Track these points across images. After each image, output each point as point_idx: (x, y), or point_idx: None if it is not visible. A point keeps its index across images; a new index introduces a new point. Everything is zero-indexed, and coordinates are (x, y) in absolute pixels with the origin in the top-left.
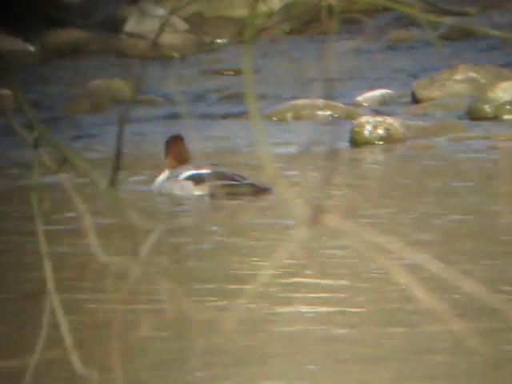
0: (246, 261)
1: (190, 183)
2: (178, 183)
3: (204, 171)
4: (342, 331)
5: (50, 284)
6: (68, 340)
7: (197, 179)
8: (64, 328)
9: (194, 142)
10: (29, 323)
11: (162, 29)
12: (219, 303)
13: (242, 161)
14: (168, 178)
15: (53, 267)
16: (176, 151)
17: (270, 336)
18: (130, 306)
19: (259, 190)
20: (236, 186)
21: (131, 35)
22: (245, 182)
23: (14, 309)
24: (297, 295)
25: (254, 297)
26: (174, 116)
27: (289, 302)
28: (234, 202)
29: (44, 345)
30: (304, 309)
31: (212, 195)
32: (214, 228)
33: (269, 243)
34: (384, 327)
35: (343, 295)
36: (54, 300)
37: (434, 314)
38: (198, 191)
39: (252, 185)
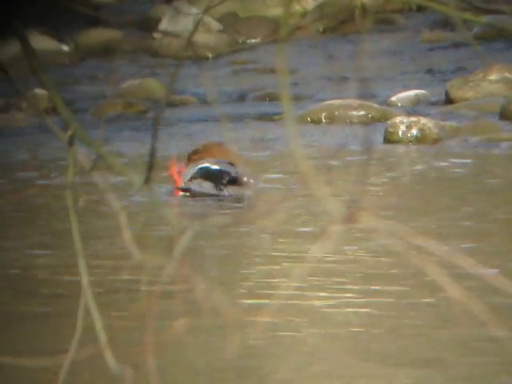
0: (280, 260)
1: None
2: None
3: (203, 165)
4: (384, 334)
5: (85, 281)
6: (102, 338)
7: (193, 176)
8: (98, 326)
9: (229, 143)
10: (62, 322)
11: (196, 28)
12: (254, 303)
13: (275, 160)
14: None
15: (87, 265)
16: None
17: (307, 337)
18: (165, 305)
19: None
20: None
21: (165, 34)
22: (221, 193)
23: (47, 307)
24: (334, 298)
25: (287, 298)
26: (208, 116)
27: (326, 304)
28: (268, 201)
29: (78, 343)
30: (342, 311)
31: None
32: (248, 228)
33: (303, 242)
34: (435, 330)
35: (380, 298)
36: (88, 298)
37: (472, 316)
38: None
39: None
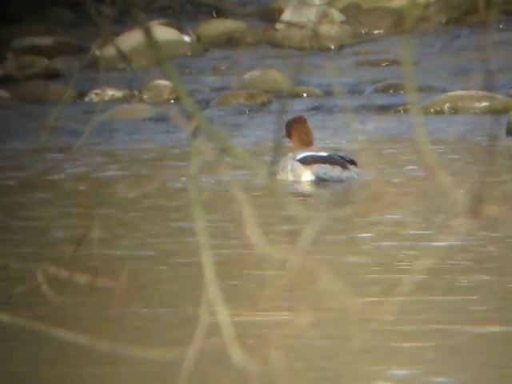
0: (404, 251)
1: (300, 166)
2: (291, 165)
3: (319, 154)
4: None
5: (210, 275)
6: (228, 331)
7: (305, 162)
8: (224, 319)
9: (352, 134)
10: (185, 313)
11: (320, 19)
12: (377, 298)
13: (400, 151)
14: (284, 161)
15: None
16: (300, 133)
17: (426, 329)
18: (289, 298)
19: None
20: (332, 179)
21: (288, 25)
22: (342, 176)
23: (170, 300)
24: (455, 288)
25: (411, 288)
26: (331, 107)
27: (446, 293)
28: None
29: (203, 336)
30: (459, 303)
31: (317, 180)
32: (370, 218)
33: (427, 232)
34: None
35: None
36: (213, 290)
37: None
38: (305, 176)
39: (347, 179)
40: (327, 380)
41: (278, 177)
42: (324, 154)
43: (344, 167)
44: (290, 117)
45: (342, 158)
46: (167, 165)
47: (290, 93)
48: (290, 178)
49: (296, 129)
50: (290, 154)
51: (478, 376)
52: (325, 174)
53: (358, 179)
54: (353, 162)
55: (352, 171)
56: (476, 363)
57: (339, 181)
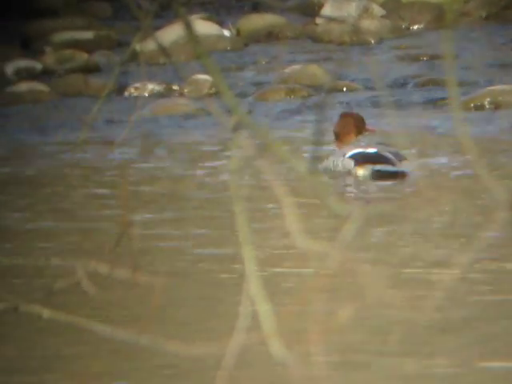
0: (445, 246)
1: (351, 162)
2: (341, 161)
3: (368, 150)
4: None
5: (250, 268)
6: (268, 326)
7: (358, 159)
8: (263, 313)
9: (392, 129)
10: (223, 308)
11: (361, 14)
12: (418, 292)
13: (438, 147)
14: (335, 156)
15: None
16: (346, 129)
17: (469, 322)
18: (329, 291)
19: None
20: (389, 174)
21: (328, 19)
22: (398, 170)
23: (207, 294)
24: (499, 283)
25: (454, 283)
26: (371, 102)
27: (490, 291)
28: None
29: (242, 330)
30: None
31: (373, 176)
32: (412, 213)
33: (468, 228)
34: None
35: None
36: (252, 283)
37: None
38: (359, 171)
39: (403, 173)
40: (365, 376)
41: (328, 173)
42: (373, 150)
43: (393, 164)
44: (346, 111)
45: (390, 153)
46: (208, 159)
47: (330, 87)
48: (341, 174)
49: (343, 124)
50: (339, 151)
51: None
52: (378, 170)
53: (406, 175)
54: (403, 158)
55: (402, 167)
56: None
57: (391, 176)
